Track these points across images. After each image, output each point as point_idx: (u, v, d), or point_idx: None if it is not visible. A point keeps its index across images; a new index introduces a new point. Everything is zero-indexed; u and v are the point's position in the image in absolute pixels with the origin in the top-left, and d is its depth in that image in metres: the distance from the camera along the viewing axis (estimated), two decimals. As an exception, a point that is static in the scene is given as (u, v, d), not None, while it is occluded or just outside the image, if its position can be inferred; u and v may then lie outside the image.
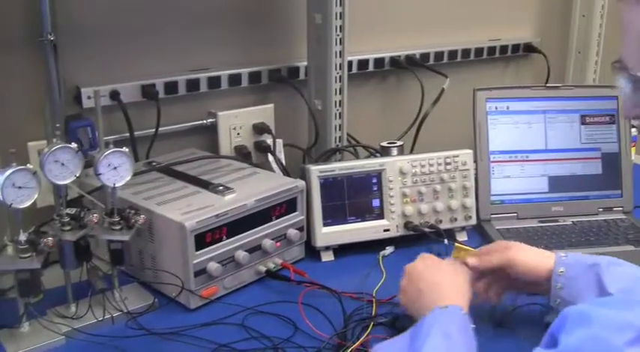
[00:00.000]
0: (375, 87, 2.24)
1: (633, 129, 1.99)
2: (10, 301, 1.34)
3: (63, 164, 1.26)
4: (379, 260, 1.63)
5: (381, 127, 2.18)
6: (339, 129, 1.97)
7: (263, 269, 1.54)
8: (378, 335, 1.29)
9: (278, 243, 1.56)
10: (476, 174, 1.80)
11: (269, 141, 1.92)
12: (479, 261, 1.31)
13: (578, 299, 1.20)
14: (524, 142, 1.88)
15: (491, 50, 2.48)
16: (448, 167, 1.72)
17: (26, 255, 1.24)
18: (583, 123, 1.89)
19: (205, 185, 1.55)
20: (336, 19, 1.83)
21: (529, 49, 2.59)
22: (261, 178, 1.63)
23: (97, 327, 1.34)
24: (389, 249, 1.68)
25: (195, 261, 1.39)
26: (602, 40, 2.59)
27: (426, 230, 1.69)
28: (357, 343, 1.25)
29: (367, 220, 1.69)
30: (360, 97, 2.15)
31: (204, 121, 1.88)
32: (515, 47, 2.57)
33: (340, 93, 1.93)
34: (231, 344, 1.28)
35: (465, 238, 1.76)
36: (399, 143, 1.86)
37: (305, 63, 1.98)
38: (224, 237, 1.44)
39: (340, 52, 1.88)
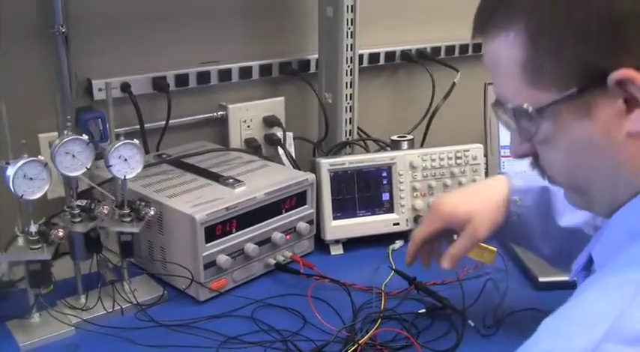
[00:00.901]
0: (386, 80, 2.23)
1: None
2: (21, 292, 1.35)
3: (74, 156, 1.27)
4: (389, 254, 1.63)
5: (391, 121, 2.18)
6: (350, 123, 1.96)
7: (272, 262, 1.54)
8: (387, 328, 1.29)
9: (288, 236, 1.56)
10: (486, 169, 1.79)
11: (279, 134, 1.92)
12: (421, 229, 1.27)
13: (528, 229, 1.20)
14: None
15: (503, 44, 2.46)
16: (458, 161, 1.72)
17: (37, 247, 1.24)
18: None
19: (215, 177, 1.55)
20: (348, 12, 1.83)
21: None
22: (271, 171, 1.63)
23: (106, 319, 1.34)
24: (398, 243, 1.67)
25: (204, 254, 1.39)
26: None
27: (436, 224, 1.68)
28: (366, 337, 1.25)
29: (377, 214, 1.69)
30: (370, 91, 2.15)
31: (215, 114, 1.89)
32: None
33: (351, 87, 1.93)
34: (240, 337, 1.28)
35: (475, 233, 1.75)
36: (409, 137, 1.86)
37: (316, 56, 1.98)
38: (234, 229, 1.44)
39: (351, 45, 1.88)
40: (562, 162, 0.84)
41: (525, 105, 0.80)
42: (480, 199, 1.22)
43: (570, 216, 1.17)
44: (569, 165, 0.83)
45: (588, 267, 0.80)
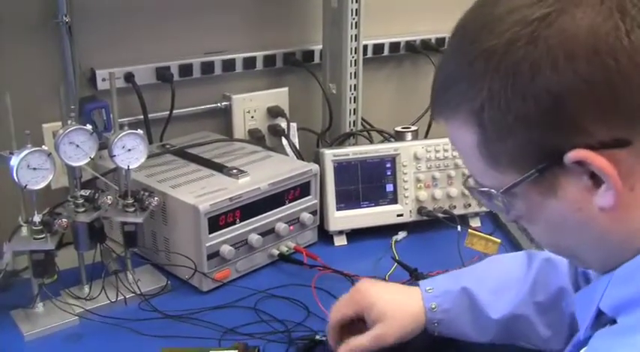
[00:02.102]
0: (390, 71, 2.23)
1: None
2: (25, 282, 1.36)
3: (77, 146, 1.27)
4: (392, 245, 1.63)
5: (395, 112, 2.17)
6: (354, 114, 1.96)
7: (276, 252, 1.54)
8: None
9: (291, 227, 1.56)
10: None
11: (283, 124, 1.92)
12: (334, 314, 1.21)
13: (457, 327, 1.17)
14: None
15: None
16: (462, 152, 1.71)
17: (40, 236, 1.25)
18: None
19: (219, 168, 1.55)
20: (352, 2, 1.82)
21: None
22: (275, 162, 1.63)
23: (110, 308, 1.35)
24: (402, 234, 1.67)
25: (208, 244, 1.39)
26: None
27: (440, 215, 1.68)
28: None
29: (380, 205, 1.69)
30: (374, 82, 2.15)
31: (219, 104, 1.88)
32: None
33: (355, 78, 1.92)
34: (243, 327, 1.28)
35: (479, 224, 1.75)
36: (413, 128, 1.86)
37: (320, 46, 1.98)
38: (237, 220, 1.44)
39: (356, 35, 1.87)
40: (543, 235, 0.84)
41: (491, 187, 0.80)
42: (397, 305, 1.17)
43: (500, 306, 1.14)
44: (550, 238, 0.84)
45: (598, 321, 0.78)
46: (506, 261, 1.20)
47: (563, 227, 0.77)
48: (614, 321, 0.74)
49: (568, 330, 1.11)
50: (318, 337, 1.23)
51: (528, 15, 0.69)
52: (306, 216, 1.58)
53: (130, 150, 1.33)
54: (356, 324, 1.18)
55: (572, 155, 0.68)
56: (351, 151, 1.67)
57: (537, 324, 1.13)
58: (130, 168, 1.34)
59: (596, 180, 0.70)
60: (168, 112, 1.76)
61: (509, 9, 0.71)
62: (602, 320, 0.76)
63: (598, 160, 0.67)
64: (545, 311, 1.13)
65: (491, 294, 1.15)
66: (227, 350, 1.15)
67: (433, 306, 1.15)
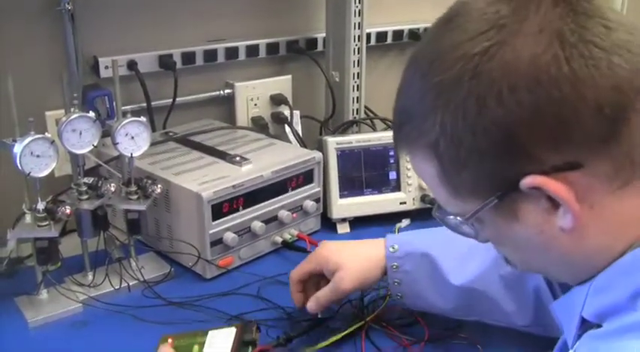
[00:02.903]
0: (394, 59, 2.22)
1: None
2: (29, 269, 1.36)
3: (80, 133, 1.27)
4: (395, 232, 1.62)
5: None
6: (357, 102, 1.96)
7: (279, 240, 1.54)
8: (394, 307, 1.29)
9: (294, 214, 1.56)
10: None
11: (286, 112, 1.92)
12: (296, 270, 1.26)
13: (418, 290, 1.19)
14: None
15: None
16: (466, 140, 1.71)
17: (44, 224, 1.25)
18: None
19: (222, 156, 1.55)
20: (355, -10, 1.82)
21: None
22: (278, 149, 1.63)
23: (113, 296, 1.35)
24: (405, 222, 1.68)
25: (211, 231, 1.39)
26: None
27: (443, 203, 1.68)
28: (372, 315, 1.25)
29: (384, 193, 1.69)
30: (378, 70, 2.15)
31: (222, 92, 1.88)
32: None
33: (358, 66, 1.92)
34: (247, 314, 1.28)
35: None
36: (416, 116, 1.85)
37: (323, 34, 1.97)
38: (240, 207, 1.45)
39: (359, 23, 1.87)
40: (513, 256, 0.86)
41: (457, 214, 0.82)
42: (355, 254, 1.21)
43: (462, 273, 1.16)
44: (520, 259, 0.86)
45: (583, 327, 0.79)
46: None
47: (528, 249, 0.79)
48: (599, 325, 0.74)
49: (533, 305, 1.13)
50: (319, 315, 1.24)
51: (470, 49, 0.70)
52: (309, 204, 1.58)
53: (133, 137, 1.33)
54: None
55: (527, 182, 0.70)
56: (355, 139, 1.67)
57: (501, 298, 1.15)
58: (133, 155, 1.34)
59: (554, 202, 0.71)
60: (171, 100, 1.76)
61: (453, 44, 0.72)
62: (586, 325, 0.77)
63: (552, 185, 0.69)
64: (509, 284, 1.14)
65: (454, 260, 1.17)
66: (225, 328, 1.15)
67: (394, 266, 1.19)
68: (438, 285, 1.17)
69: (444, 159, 0.75)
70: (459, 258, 1.17)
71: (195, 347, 1.11)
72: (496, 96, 0.68)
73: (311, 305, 1.21)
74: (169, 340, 1.13)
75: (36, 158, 1.20)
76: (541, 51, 0.67)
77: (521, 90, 0.67)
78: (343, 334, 1.20)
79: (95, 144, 1.29)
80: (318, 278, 1.25)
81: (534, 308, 1.13)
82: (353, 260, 1.20)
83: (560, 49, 0.67)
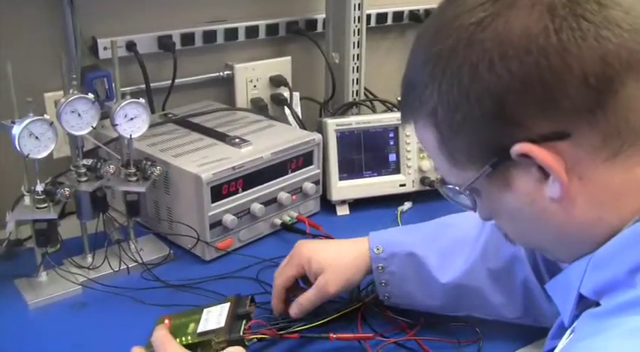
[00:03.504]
0: (394, 41, 2.21)
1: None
2: (28, 251, 1.36)
3: (79, 115, 1.26)
4: (397, 215, 1.63)
5: (398, 82, 2.15)
6: (357, 83, 1.95)
7: (278, 222, 1.54)
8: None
9: (294, 196, 1.56)
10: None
11: (286, 94, 1.91)
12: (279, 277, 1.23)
13: (406, 290, 1.19)
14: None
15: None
16: (466, 122, 1.70)
17: (43, 206, 1.25)
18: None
19: (221, 137, 1.55)
20: (355, -30, 1.81)
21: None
22: (278, 131, 1.63)
23: (112, 278, 1.35)
24: (407, 205, 1.67)
25: (210, 213, 1.39)
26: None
27: (442, 185, 1.67)
28: (370, 297, 1.25)
29: (383, 175, 1.68)
30: (378, 51, 2.14)
31: (221, 73, 1.88)
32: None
33: (358, 47, 1.91)
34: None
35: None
36: (416, 97, 1.85)
37: (323, 15, 1.97)
38: (240, 189, 1.44)
39: (359, 4, 1.86)
40: (509, 229, 0.88)
41: (456, 185, 0.84)
42: (339, 255, 1.20)
43: (449, 270, 1.16)
44: (516, 232, 0.87)
45: (580, 305, 0.79)
46: (460, 220, 1.21)
47: (522, 220, 0.81)
48: (597, 304, 0.75)
49: (522, 297, 1.14)
50: None
51: (467, 20, 0.73)
52: (308, 186, 1.58)
53: (132, 119, 1.33)
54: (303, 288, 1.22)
55: (516, 149, 0.72)
56: (354, 121, 1.67)
57: (490, 291, 1.16)
58: (133, 137, 1.34)
59: (544, 172, 0.73)
60: (170, 81, 1.75)
61: (454, 14, 0.75)
62: (584, 303, 0.78)
63: (540, 153, 0.71)
64: (497, 278, 1.15)
65: (440, 257, 1.17)
66: (219, 304, 1.15)
67: (380, 267, 1.18)
68: (425, 284, 1.17)
69: (442, 127, 0.78)
70: (445, 254, 1.17)
71: (191, 325, 1.11)
72: (488, 64, 0.71)
73: (294, 311, 1.18)
74: (166, 321, 1.13)
75: (35, 139, 1.20)
76: (532, 23, 0.70)
77: (512, 59, 0.70)
78: (339, 314, 1.20)
79: (94, 126, 1.29)
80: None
81: (523, 300, 1.14)
82: (337, 262, 1.18)
83: (550, 22, 0.69)
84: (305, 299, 1.18)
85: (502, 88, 0.71)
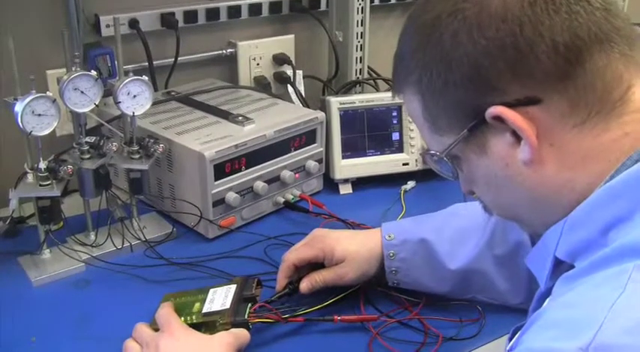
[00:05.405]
0: (397, 19, 2.20)
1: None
2: (31, 228, 1.36)
3: (82, 92, 1.26)
4: (401, 194, 1.62)
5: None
6: (360, 62, 1.95)
7: (281, 200, 1.54)
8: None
9: (297, 175, 1.55)
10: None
11: (289, 72, 1.91)
12: (293, 254, 1.24)
13: (415, 277, 1.21)
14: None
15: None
16: (469, 101, 1.70)
17: (46, 183, 1.25)
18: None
19: (225, 115, 1.54)
20: (359, -52, 1.80)
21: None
22: (281, 109, 1.62)
23: (115, 255, 1.36)
24: (410, 184, 1.67)
25: (213, 191, 1.39)
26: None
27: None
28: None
29: (386, 153, 1.68)
30: (381, 30, 2.13)
31: (224, 51, 1.87)
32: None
33: (362, 25, 1.90)
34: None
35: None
36: (420, 76, 1.84)
37: (326, -7, 1.96)
38: (243, 167, 1.44)
39: (363, -18, 1.85)
40: (485, 196, 0.90)
41: (436, 151, 0.87)
42: (359, 246, 1.22)
43: (458, 256, 1.19)
44: (493, 199, 0.89)
45: (557, 271, 0.81)
46: (467, 209, 1.23)
47: (497, 185, 0.84)
48: (572, 267, 0.77)
49: (526, 283, 1.16)
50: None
51: None
52: (311, 164, 1.58)
53: (135, 96, 1.33)
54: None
55: (490, 111, 0.76)
56: (357, 99, 1.66)
57: (495, 277, 1.19)
58: (135, 114, 1.33)
59: (517, 136, 0.77)
60: (173, 59, 1.74)
61: None
62: (560, 268, 0.80)
63: (512, 115, 0.75)
64: (503, 264, 1.18)
65: (450, 244, 1.20)
66: (226, 285, 1.16)
67: (391, 254, 1.21)
68: (435, 271, 1.20)
69: (425, 94, 0.83)
70: (454, 242, 1.20)
71: (197, 305, 1.12)
72: (467, 31, 0.76)
73: (305, 285, 1.20)
74: (171, 299, 1.13)
75: (37, 117, 1.20)
76: None
77: (489, 27, 0.75)
78: (343, 295, 1.21)
79: (97, 103, 1.29)
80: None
81: (527, 286, 1.16)
82: (359, 254, 1.21)
83: None
84: (320, 279, 1.21)
85: (479, 54, 0.75)
